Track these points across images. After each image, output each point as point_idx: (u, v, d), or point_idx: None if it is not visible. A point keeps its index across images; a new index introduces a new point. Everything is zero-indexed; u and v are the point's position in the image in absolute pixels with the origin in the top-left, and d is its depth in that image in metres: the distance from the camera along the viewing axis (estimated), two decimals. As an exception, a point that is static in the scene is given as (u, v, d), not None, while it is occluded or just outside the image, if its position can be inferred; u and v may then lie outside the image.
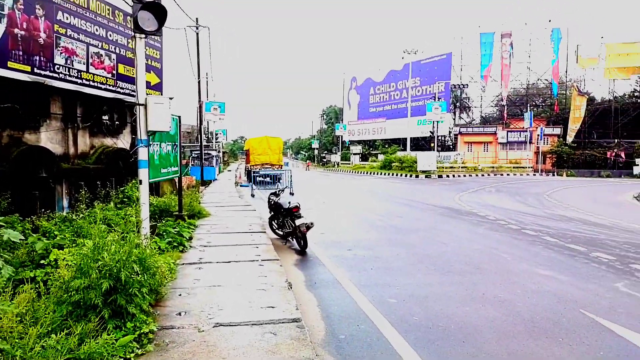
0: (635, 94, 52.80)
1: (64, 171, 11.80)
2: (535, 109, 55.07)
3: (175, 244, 7.71)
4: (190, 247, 7.94)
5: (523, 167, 48.49)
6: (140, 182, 5.90)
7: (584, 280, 6.95)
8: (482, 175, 42.85)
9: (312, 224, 8.93)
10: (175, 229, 8.48)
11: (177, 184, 16.52)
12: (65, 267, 3.97)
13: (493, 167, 48.13)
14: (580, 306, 5.69)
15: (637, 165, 44.15)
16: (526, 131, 50.60)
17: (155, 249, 5.97)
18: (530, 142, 50.36)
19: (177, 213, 10.07)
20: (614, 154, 46.92)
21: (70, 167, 12.17)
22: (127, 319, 3.89)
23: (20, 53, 9.95)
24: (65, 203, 11.97)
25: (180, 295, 5.22)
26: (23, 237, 5.78)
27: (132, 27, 6.03)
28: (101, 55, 12.95)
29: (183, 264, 6.76)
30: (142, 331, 3.88)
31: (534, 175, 44.84)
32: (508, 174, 44.39)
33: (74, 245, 5.73)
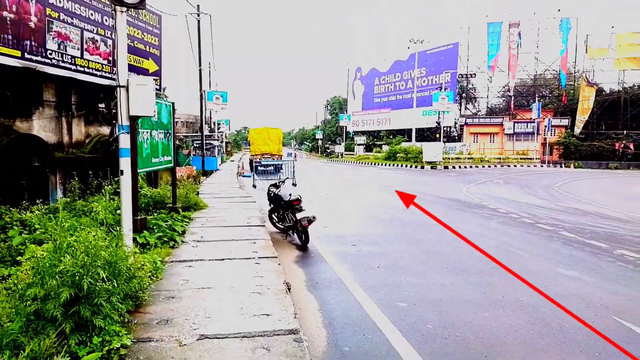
0: (646, 85, 51.69)
1: (58, 160, 11.29)
2: (542, 100, 54.02)
3: (165, 239, 7.13)
4: (182, 242, 7.36)
5: (530, 159, 47.67)
6: (122, 172, 5.29)
7: (612, 281, 6.33)
8: (489, 166, 42.10)
9: (314, 217, 8.35)
10: (167, 223, 7.91)
11: (175, 174, 16.00)
12: (25, 271, 3.40)
13: (499, 159, 47.32)
14: (613, 313, 5.08)
15: (647, 156, 43.28)
16: (533, 122, 49.70)
17: (135, 248, 5.40)
18: (537, 133, 49.47)
19: (170, 205, 9.49)
20: (622, 145, 46.02)
21: (64, 156, 11.66)
22: (94, 333, 3.32)
23: (10, 37, 9.37)
24: (59, 193, 11.47)
25: (163, 299, 4.63)
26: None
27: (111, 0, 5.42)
28: (96, 40, 12.32)
29: (172, 261, 6.18)
30: (111, 347, 3.30)
31: (541, 166, 44.05)
32: (515, 165, 43.61)
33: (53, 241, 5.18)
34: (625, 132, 47.12)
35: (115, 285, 3.52)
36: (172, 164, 9.40)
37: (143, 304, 4.40)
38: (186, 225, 8.70)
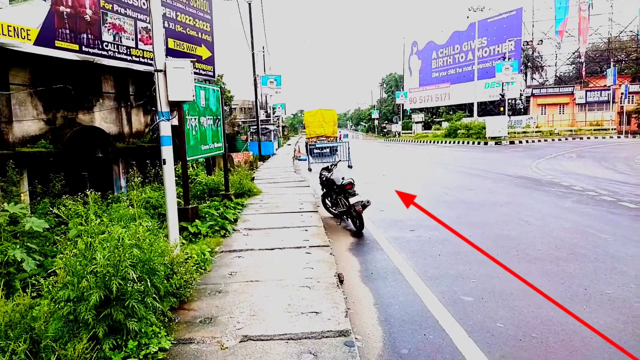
0: None
1: (120, 151, 11.61)
2: (618, 65, 49.34)
3: (217, 227, 7.01)
4: (234, 230, 7.21)
5: (605, 129, 43.91)
6: (164, 161, 5.13)
7: None
8: (559, 139, 39.25)
9: (368, 202, 7.91)
10: (219, 211, 7.79)
11: (229, 160, 16.08)
12: (60, 270, 3.26)
13: (571, 131, 43.97)
14: None
15: None
16: (608, 89, 45.58)
17: (182, 239, 5.23)
18: (613, 102, 45.36)
19: (224, 192, 9.43)
20: None
21: (125, 146, 11.97)
22: (130, 336, 3.14)
23: (67, 32, 9.58)
24: (122, 183, 11.83)
25: (209, 294, 4.43)
26: (47, 226, 5.25)
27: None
28: (150, 30, 12.42)
29: (222, 251, 6.02)
30: (148, 351, 3.11)
31: (618, 137, 40.44)
32: (588, 137, 40.36)
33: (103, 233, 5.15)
34: None
35: (149, 285, 3.31)
36: (222, 151, 9.28)
37: (188, 300, 4.21)
38: (239, 212, 8.57)
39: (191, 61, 5.18)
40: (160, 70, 5.00)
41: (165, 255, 3.96)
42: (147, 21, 11.86)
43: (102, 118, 11.47)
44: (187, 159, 7.27)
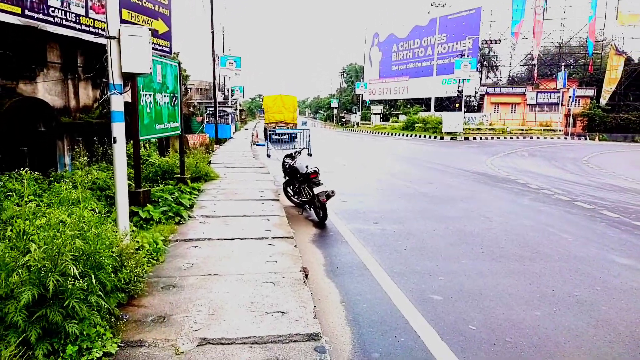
0: (680, 54, 48.98)
1: (65, 126, 10.71)
2: (567, 69, 51.67)
3: (171, 213, 6.49)
4: (190, 217, 6.71)
5: (553, 130, 45.96)
6: (114, 139, 4.59)
7: (676, 272, 5.55)
8: (511, 137, 40.66)
9: (332, 192, 7.64)
10: (174, 195, 7.26)
11: (183, 142, 15.34)
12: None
13: (522, 130, 45.68)
14: (689, 314, 4.33)
15: (676, 130, 41.36)
16: (558, 92, 47.63)
17: (132, 227, 4.74)
18: (562, 104, 47.51)
19: (179, 176, 8.84)
20: (650, 118, 44.01)
21: (71, 121, 11.07)
22: (69, 340, 2.70)
23: (9, -8, 8.61)
24: (67, 160, 10.94)
25: (162, 288, 4.00)
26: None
27: None
28: (102, -1, 11.45)
29: (177, 240, 5.55)
30: (90, 357, 2.68)
31: (565, 138, 42.43)
32: (538, 137, 42.06)
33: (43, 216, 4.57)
34: (654, 104, 44.96)
35: (94, 282, 2.86)
36: (179, 131, 8.70)
37: (138, 295, 3.76)
38: (195, 198, 8.06)
39: (150, 30, 4.64)
40: (114, 37, 4.43)
41: (114, 246, 3.49)
42: (100, -13, 10.94)
43: (46, 90, 10.53)
44: (140, 138, 6.69)
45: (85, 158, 9.90)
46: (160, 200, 6.88)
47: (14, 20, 8.67)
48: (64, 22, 10.15)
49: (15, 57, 9.17)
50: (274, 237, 5.78)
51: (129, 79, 5.53)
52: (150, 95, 7.03)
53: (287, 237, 5.82)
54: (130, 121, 6.53)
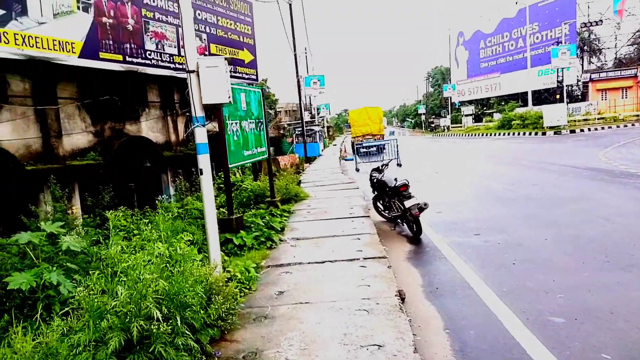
0: None
1: (167, 159, 11.56)
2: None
3: (262, 238, 6.56)
4: (281, 241, 6.74)
5: (677, 113, 40.27)
6: (201, 171, 4.71)
7: None
8: (625, 126, 36.27)
9: (425, 204, 7.22)
10: (265, 219, 7.37)
11: (275, 164, 15.77)
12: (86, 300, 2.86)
13: (637, 116, 40.63)
14: None
15: None
16: (679, 67, 41.85)
17: (224, 256, 4.78)
18: (686, 81, 41.62)
19: (269, 199, 9.02)
20: None
21: (172, 154, 11.93)
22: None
23: (111, 42, 9.56)
24: (171, 191, 11.77)
25: (254, 320, 3.95)
26: (85, 245, 4.98)
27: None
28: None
29: (269, 266, 5.55)
30: (183, 399, 2.67)
31: (695, 120, 36.95)
32: (659, 122, 37.10)
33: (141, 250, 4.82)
34: None
35: (179, 323, 2.85)
36: (266, 155, 8.87)
37: (230, 329, 3.74)
38: (285, 220, 8.12)
39: (226, 59, 4.73)
40: (193, 71, 4.58)
41: (203, 280, 3.50)
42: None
43: (149, 127, 11.44)
44: (230, 165, 6.89)
45: (184, 188, 10.56)
46: (252, 225, 7.00)
47: (117, 67, 9.55)
48: (160, 62, 10.99)
49: (121, 101, 10.08)
50: (365, 258, 5.54)
51: (211, 109, 5.71)
52: (236, 123, 7.24)
53: (380, 257, 5.55)
54: (219, 150, 6.77)
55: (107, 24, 9.50)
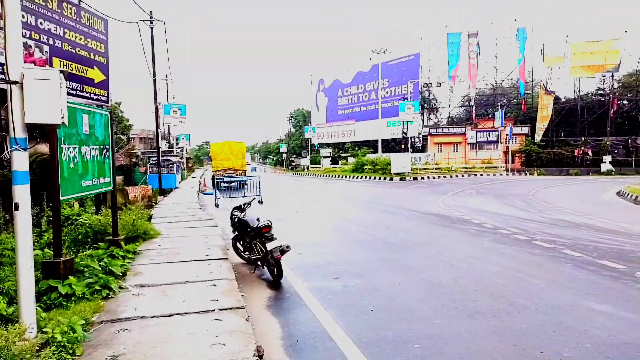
0: (599, 92, 53.32)
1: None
2: (502, 109, 54.76)
3: (97, 286, 5.48)
4: (121, 289, 5.72)
5: (495, 167, 47.78)
6: (16, 206, 3.69)
7: (658, 318, 5.22)
8: (456, 176, 41.73)
9: (288, 247, 6.92)
10: (102, 262, 6.26)
11: (123, 195, 14.13)
12: None
13: (466, 168, 47.20)
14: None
15: (604, 162, 44.23)
16: (496, 130, 50.07)
17: (41, 312, 3.79)
18: (500, 142, 49.89)
19: (111, 237, 7.80)
20: (581, 151, 46.94)
21: (-10, 178, 9.82)
22: None
23: None
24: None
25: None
26: None
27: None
28: (30, 46, 10.51)
29: (102, 321, 4.58)
30: None
31: (507, 174, 44.14)
32: (482, 174, 43.45)
33: None
34: (583, 138, 48.01)
35: None
36: (110, 187, 7.76)
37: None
38: (129, 263, 7.04)
39: (62, 72, 3.88)
40: (16, 82, 3.65)
41: (2, 350, 2.60)
42: (28, 36, 10.03)
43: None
44: (62, 198, 5.75)
45: (2, 221, 8.68)
46: (86, 269, 5.87)
47: None
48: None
49: None
50: (221, 309, 4.93)
51: (44, 129, 4.69)
52: (74, 148, 6.15)
53: (237, 308, 4.99)
54: (49, 178, 5.61)
55: None
